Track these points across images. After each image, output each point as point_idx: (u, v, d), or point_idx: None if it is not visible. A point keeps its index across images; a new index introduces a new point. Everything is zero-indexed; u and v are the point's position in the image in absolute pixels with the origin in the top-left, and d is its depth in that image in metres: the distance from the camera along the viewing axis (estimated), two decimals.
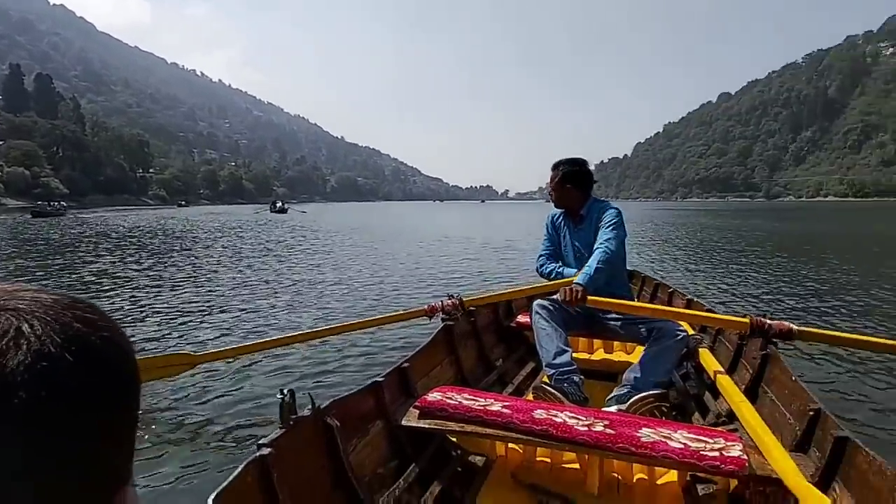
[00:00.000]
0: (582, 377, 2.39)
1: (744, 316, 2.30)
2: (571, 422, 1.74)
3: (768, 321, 2.17)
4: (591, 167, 2.86)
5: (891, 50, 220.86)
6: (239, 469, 1.23)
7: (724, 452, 1.54)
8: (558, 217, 2.86)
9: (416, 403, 1.92)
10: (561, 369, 2.38)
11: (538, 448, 1.92)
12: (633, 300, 2.90)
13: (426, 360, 2.41)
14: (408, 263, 10.45)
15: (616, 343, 3.05)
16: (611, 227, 2.58)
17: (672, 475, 1.79)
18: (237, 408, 3.15)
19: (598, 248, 2.52)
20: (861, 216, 36.91)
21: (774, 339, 2.14)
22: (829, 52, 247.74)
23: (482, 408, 1.85)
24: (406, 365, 2.16)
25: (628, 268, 3.49)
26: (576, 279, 2.42)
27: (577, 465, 1.88)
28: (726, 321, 2.33)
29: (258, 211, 48.58)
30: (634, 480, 1.82)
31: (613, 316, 2.61)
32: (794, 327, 2.15)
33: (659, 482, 1.80)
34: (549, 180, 2.77)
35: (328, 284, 7.88)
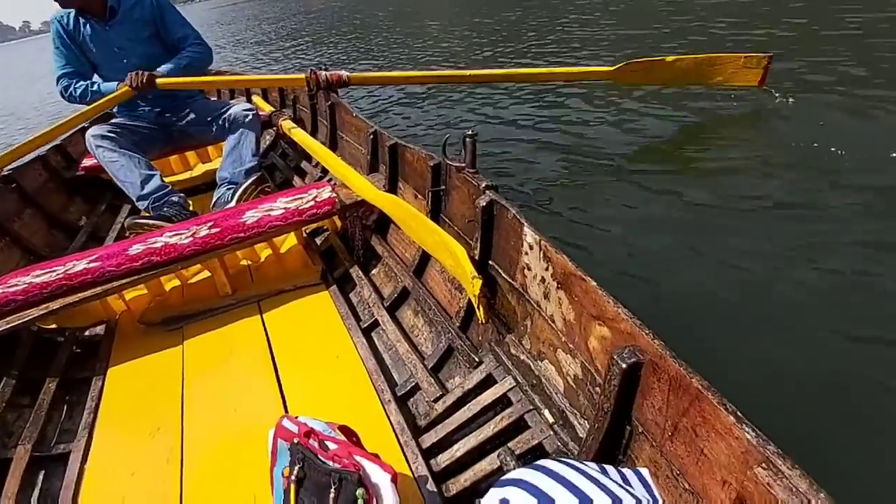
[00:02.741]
0: (182, 195, 2.18)
1: (306, 74, 2.36)
2: (174, 240, 1.61)
3: (322, 72, 2.27)
4: None
5: None
6: None
7: (317, 199, 1.70)
8: (70, 20, 2.16)
9: None
10: (154, 195, 2.10)
11: (159, 280, 1.77)
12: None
13: None
14: None
15: (211, 148, 2.85)
16: (187, 25, 2.33)
17: (291, 239, 1.92)
18: None
19: (190, 46, 2.30)
20: None
21: (334, 89, 2.30)
22: None
23: (64, 275, 1.53)
24: None
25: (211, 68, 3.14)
26: (158, 70, 2.18)
27: (206, 274, 1.83)
28: (285, 80, 2.41)
29: None
30: (263, 259, 1.89)
31: (190, 119, 2.36)
32: (346, 74, 2.32)
33: (283, 250, 1.91)
34: None
35: None
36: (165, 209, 2.06)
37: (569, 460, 0.68)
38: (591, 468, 0.66)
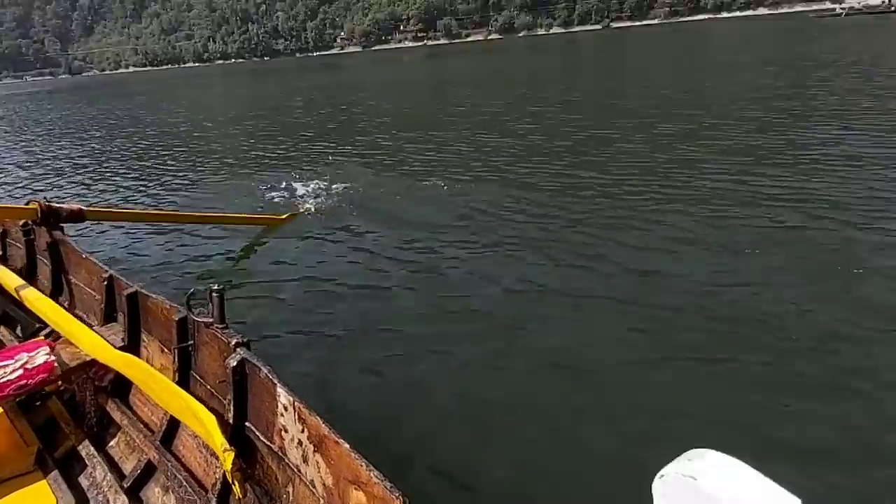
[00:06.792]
0: None
1: (28, 203, 2.04)
2: None
3: (58, 205, 2.00)
4: None
5: None
6: None
7: (28, 366, 1.39)
8: None
9: None
10: None
11: None
12: None
13: None
14: None
15: None
16: None
17: None
18: None
19: None
20: (129, 87, 39.30)
21: (63, 224, 2.01)
22: None
23: None
24: None
25: None
26: None
27: None
28: (11, 210, 2.02)
29: None
30: None
31: None
32: (84, 208, 2.07)
33: None
34: None
35: None
36: None
37: None
38: None
